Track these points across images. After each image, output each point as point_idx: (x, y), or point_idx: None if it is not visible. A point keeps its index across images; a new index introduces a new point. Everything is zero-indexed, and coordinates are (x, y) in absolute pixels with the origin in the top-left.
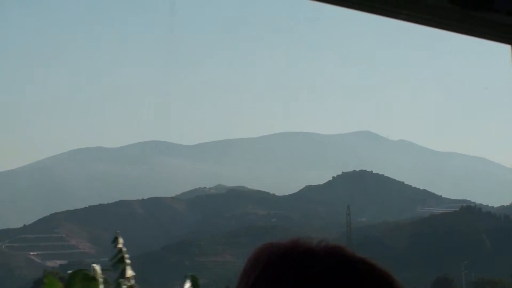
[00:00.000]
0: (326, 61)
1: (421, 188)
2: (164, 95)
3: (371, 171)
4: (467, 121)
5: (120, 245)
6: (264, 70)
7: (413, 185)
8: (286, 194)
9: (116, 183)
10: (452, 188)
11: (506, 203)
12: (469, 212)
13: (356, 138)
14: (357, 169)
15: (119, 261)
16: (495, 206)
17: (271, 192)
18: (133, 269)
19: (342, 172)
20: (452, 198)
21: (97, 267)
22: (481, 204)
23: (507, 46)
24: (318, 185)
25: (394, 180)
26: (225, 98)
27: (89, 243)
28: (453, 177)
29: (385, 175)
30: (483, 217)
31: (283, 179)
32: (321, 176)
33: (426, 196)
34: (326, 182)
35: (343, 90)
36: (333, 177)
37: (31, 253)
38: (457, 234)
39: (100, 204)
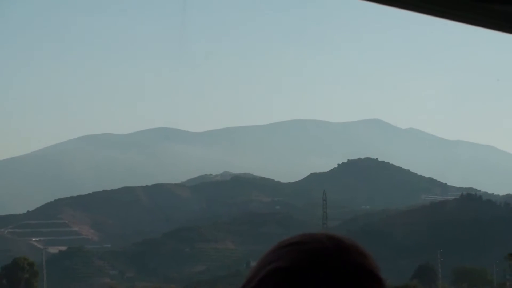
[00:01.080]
0: (337, 50)
1: (427, 176)
2: (175, 82)
3: (377, 158)
4: (476, 110)
5: None
6: (276, 58)
7: (419, 173)
8: (291, 181)
9: (123, 169)
10: (459, 176)
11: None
12: (470, 200)
13: (366, 126)
14: (363, 157)
15: None
16: (500, 194)
17: (276, 179)
18: (133, 255)
19: (348, 160)
20: (458, 186)
21: None
22: (486, 193)
23: None
24: (323, 173)
25: (400, 168)
26: (236, 86)
27: (92, 229)
28: (461, 165)
29: (391, 163)
30: (483, 205)
31: (289, 167)
32: (327, 163)
33: (431, 184)
34: (331, 170)
35: (354, 79)
36: (338, 165)
37: (33, 239)
38: (453, 222)
39: (103, 190)
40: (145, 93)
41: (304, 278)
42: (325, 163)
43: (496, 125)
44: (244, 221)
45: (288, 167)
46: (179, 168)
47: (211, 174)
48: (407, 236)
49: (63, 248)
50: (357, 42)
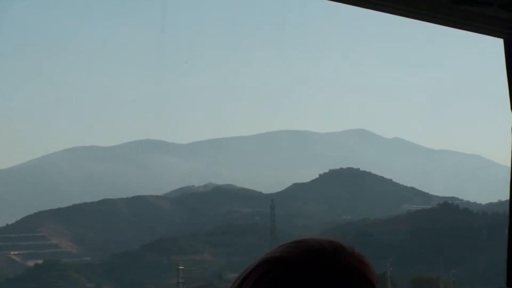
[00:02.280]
0: (323, 59)
1: (409, 185)
2: (160, 94)
3: (358, 168)
4: (462, 118)
5: None
6: (261, 69)
7: (401, 183)
8: (273, 192)
9: (106, 182)
10: (443, 185)
11: (495, 200)
12: (447, 209)
13: (351, 136)
14: (344, 167)
15: None
16: (483, 203)
17: (257, 190)
18: (111, 268)
19: (329, 170)
20: (440, 195)
21: None
22: (468, 201)
23: (500, 40)
24: (304, 183)
25: (382, 177)
26: (222, 97)
27: (71, 242)
28: (445, 174)
29: (373, 172)
30: (460, 214)
31: (273, 177)
32: (309, 174)
33: (413, 193)
34: (313, 180)
35: (339, 88)
36: (319, 175)
37: (12, 253)
38: (427, 231)
39: (84, 203)
40: (130, 105)
41: (297, 270)
42: (308, 173)
43: (482, 134)
44: (223, 232)
45: (271, 178)
46: (163, 180)
47: (193, 186)
48: (381, 246)
49: (39, 261)
50: (342, 52)
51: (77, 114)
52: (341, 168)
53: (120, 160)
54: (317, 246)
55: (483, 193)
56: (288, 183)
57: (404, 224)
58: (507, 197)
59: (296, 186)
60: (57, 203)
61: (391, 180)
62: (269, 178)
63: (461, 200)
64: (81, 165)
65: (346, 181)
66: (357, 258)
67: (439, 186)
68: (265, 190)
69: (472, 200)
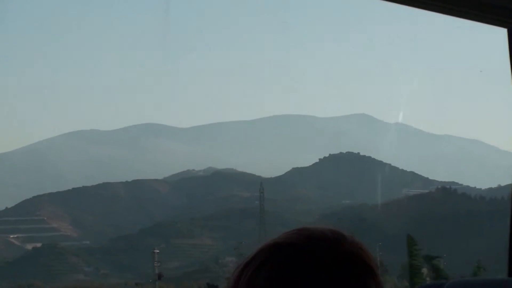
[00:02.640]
0: (326, 43)
1: (409, 170)
2: (162, 77)
3: (358, 153)
4: (464, 103)
5: None
6: (262, 53)
7: (401, 168)
8: (273, 176)
9: (107, 165)
10: (443, 170)
11: (494, 185)
12: (445, 194)
13: (352, 121)
14: (344, 151)
15: None
16: (483, 188)
17: (257, 175)
18: (109, 252)
19: (329, 154)
20: (440, 180)
21: None
22: (468, 186)
23: (504, 30)
24: (304, 168)
25: (381, 162)
26: (223, 81)
27: (71, 225)
28: (446, 159)
29: (372, 157)
30: (458, 198)
31: (273, 162)
32: (309, 158)
33: (413, 178)
34: (313, 165)
35: (343, 73)
36: (319, 159)
37: (11, 236)
38: (424, 216)
39: (83, 187)
40: (132, 89)
41: (300, 257)
42: (309, 158)
43: (482, 118)
44: (222, 216)
45: (272, 162)
46: (163, 164)
47: (193, 170)
48: (377, 231)
49: (38, 245)
50: (344, 37)
51: (78, 98)
52: (341, 153)
53: (120, 144)
54: (319, 234)
55: (484, 178)
56: (288, 168)
57: (401, 209)
58: (507, 182)
59: (295, 170)
60: (57, 186)
61: (390, 164)
62: (269, 162)
63: (461, 185)
64: (81, 149)
65: (346, 166)
66: (357, 246)
67: (440, 171)
68: (265, 175)
69: (472, 185)
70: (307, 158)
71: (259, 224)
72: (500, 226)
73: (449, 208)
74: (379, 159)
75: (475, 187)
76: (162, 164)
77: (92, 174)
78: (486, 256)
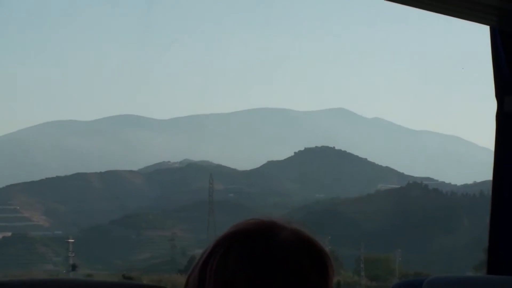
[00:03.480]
0: (305, 37)
1: (384, 165)
2: (141, 68)
3: (334, 147)
4: (442, 99)
5: None
6: (243, 46)
7: (377, 162)
8: (248, 169)
9: (84, 156)
10: (421, 166)
11: (470, 181)
12: (415, 189)
13: (330, 115)
14: (319, 145)
15: None
16: (458, 184)
17: (232, 167)
18: (79, 242)
19: (305, 148)
20: (415, 175)
21: None
22: (443, 182)
23: (486, 27)
24: (279, 161)
25: (357, 156)
26: (203, 73)
27: (44, 215)
28: (424, 155)
29: (348, 151)
30: (429, 194)
31: (249, 155)
32: (286, 152)
33: (388, 173)
34: (288, 158)
35: (321, 68)
36: (294, 153)
37: None
38: (391, 211)
39: (57, 177)
40: (112, 80)
41: (257, 238)
42: (284, 151)
43: (462, 115)
44: (194, 208)
45: (248, 155)
46: (139, 155)
47: (169, 162)
48: (343, 225)
49: (7, 234)
50: (324, 32)
51: (56, 89)
52: (316, 147)
53: (98, 135)
54: (270, 221)
55: (460, 174)
56: (264, 161)
57: (371, 203)
58: (483, 178)
59: (270, 164)
60: (32, 176)
61: (366, 159)
62: (246, 155)
63: (436, 180)
64: (58, 139)
65: (321, 159)
66: (299, 234)
67: (417, 167)
68: (241, 167)
69: (447, 181)
70: (283, 152)
71: (209, 215)
72: (467, 222)
73: (418, 204)
74: (355, 153)
75: (450, 183)
76: (138, 155)
77: (68, 164)
78: (445, 253)
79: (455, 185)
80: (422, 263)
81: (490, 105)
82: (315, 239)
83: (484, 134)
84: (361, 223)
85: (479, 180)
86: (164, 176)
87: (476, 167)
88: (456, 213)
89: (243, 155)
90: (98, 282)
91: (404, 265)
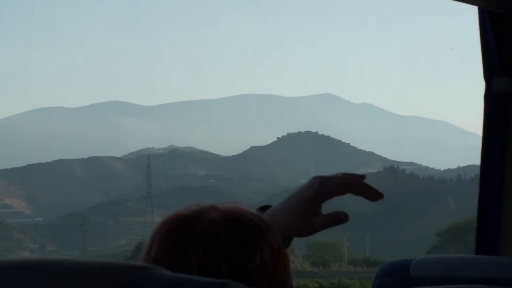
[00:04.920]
0: (292, 23)
1: (367, 150)
2: (130, 55)
3: (316, 132)
4: (431, 84)
5: None
6: (232, 32)
7: (359, 147)
8: (230, 155)
9: (70, 143)
10: (407, 151)
11: (454, 166)
12: (391, 174)
13: (318, 101)
14: (303, 130)
15: None
16: (442, 169)
17: (215, 153)
18: (57, 229)
19: (288, 133)
20: (398, 160)
21: None
22: (427, 167)
23: (474, 8)
24: (262, 146)
25: (340, 141)
26: (191, 59)
27: (25, 202)
28: (410, 140)
29: (331, 136)
30: (405, 178)
31: (234, 141)
32: (270, 137)
33: (371, 158)
34: (271, 143)
35: (308, 53)
36: (278, 138)
37: None
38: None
39: (38, 163)
40: (100, 67)
41: (182, 223)
42: (269, 137)
43: (451, 100)
44: (173, 194)
45: (233, 141)
46: (125, 141)
47: (153, 148)
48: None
49: None
50: (310, 16)
51: (45, 76)
52: (299, 132)
53: (85, 121)
54: (208, 205)
55: (446, 159)
56: (246, 147)
57: None
58: (468, 163)
59: (254, 149)
60: (16, 163)
61: (348, 144)
62: (231, 141)
63: (419, 165)
64: (45, 126)
65: (304, 145)
66: (229, 213)
67: (402, 152)
68: (225, 153)
69: (431, 166)
70: (268, 137)
71: (146, 198)
72: (438, 207)
73: (392, 189)
74: (338, 138)
75: (433, 168)
76: (124, 142)
77: (53, 151)
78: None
79: (438, 170)
80: (380, 249)
81: (478, 89)
82: (249, 216)
83: (472, 119)
84: (333, 208)
85: (463, 164)
86: (146, 162)
87: (463, 152)
88: (429, 197)
89: (229, 141)
90: (86, 261)
91: (362, 251)
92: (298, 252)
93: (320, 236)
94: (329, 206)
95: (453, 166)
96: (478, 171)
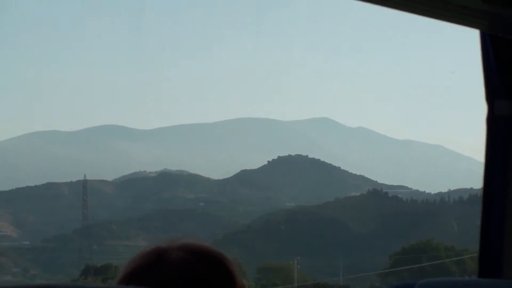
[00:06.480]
0: (288, 46)
1: (358, 174)
2: (128, 79)
3: (307, 155)
4: (427, 108)
5: None
6: (229, 55)
7: (350, 171)
8: (221, 178)
9: (60, 166)
10: (399, 175)
11: (445, 190)
12: (375, 197)
13: (314, 125)
14: (293, 154)
15: None
16: (433, 192)
17: (206, 176)
18: (41, 252)
19: (278, 157)
20: (389, 184)
21: None
22: (417, 191)
23: (476, 31)
24: (252, 170)
25: (330, 165)
26: (187, 82)
27: (12, 226)
28: (404, 164)
29: (322, 160)
30: (388, 201)
31: (227, 164)
32: (261, 160)
33: (362, 182)
34: (261, 167)
35: (305, 77)
36: (268, 162)
37: None
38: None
39: (27, 186)
40: (98, 91)
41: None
42: (261, 160)
43: (446, 125)
44: (159, 217)
45: (226, 164)
46: (118, 165)
47: (145, 171)
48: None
49: None
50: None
51: (41, 99)
52: (290, 155)
53: (80, 145)
54: (153, 250)
55: (437, 182)
56: (237, 170)
57: (328, 211)
58: (459, 186)
59: (243, 172)
60: (5, 186)
61: (339, 167)
62: (224, 165)
63: (410, 189)
64: (39, 149)
65: (294, 168)
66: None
67: (395, 176)
68: (217, 176)
69: (421, 189)
70: (260, 161)
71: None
72: (413, 228)
73: (375, 211)
74: (329, 162)
75: (424, 191)
76: (117, 165)
77: (44, 174)
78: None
79: (429, 193)
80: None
81: (475, 115)
82: (215, 250)
83: (468, 144)
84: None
85: (453, 188)
86: (136, 185)
87: (457, 175)
88: (407, 219)
89: (222, 165)
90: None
91: (320, 274)
92: (249, 276)
93: (271, 260)
94: (330, 227)
95: (445, 189)
96: (463, 194)
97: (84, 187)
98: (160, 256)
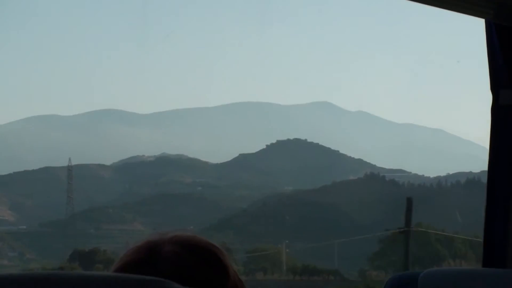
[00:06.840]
0: (292, 31)
1: (356, 157)
2: (124, 63)
3: (306, 139)
4: (429, 92)
5: None
6: (230, 39)
7: (349, 154)
8: (219, 162)
9: (60, 151)
10: (398, 158)
11: (443, 173)
12: (372, 180)
13: (314, 109)
14: (291, 138)
15: None
16: (431, 176)
17: (204, 160)
18: (37, 236)
19: (277, 141)
20: (387, 167)
21: None
22: (416, 174)
23: (481, 20)
24: (251, 154)
25: (329, 148)
26: (187, 67)
27: (10, 210)
28: (403, 148)
29: (320, 143)
30: (384, 184)
31: (227, 148)
32: (260, 145)
33: (359, 165)
34: (259, 151)
35: (306, 61)
36: (266, 146)
37: None
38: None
39: (24, 171)
40: (97, 75)
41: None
42: (260, 145)
43: (446, 108)
44: (155, 201)
45: (225, 149)
46: (117, 149)
47: (143, 155)
48: (297, 217)
49: None
50: (310, 24)
51: (40, 83)
52: (288, 139)
53: (79, 129)
54: (156, 248)
55: (436, 167)
56: (235, 154)
57: (325, 195)
58: (458, 170)
59: (242, 156)
60: (2, 171)
61: (338, 151)
62: (224, 149)
63: (409, 173)
64: (38, 134)
65: (292, 152)
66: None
67: (393, 159)
68: (216, 161)
69: (420, 173)
70: (258, 145)
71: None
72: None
73: (368, 194)
74: (327, 146)
75: (423, 175)
76: (116, 149)
77: (42, 158)
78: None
79: (428, 177)
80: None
81: (478, 99)
82: (207, 242)
83: (469, 128)
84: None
85: (452, 172)
86: (134, 169)
87: (457, 159)
88: (403, 203)
89: (221, 149)
90: (96, 275)
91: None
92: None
93: (260, 244)
94: (333, 216)
95: (443, 173)
96: (461, 178)
97: (69, 171)
98: (151, 251)
